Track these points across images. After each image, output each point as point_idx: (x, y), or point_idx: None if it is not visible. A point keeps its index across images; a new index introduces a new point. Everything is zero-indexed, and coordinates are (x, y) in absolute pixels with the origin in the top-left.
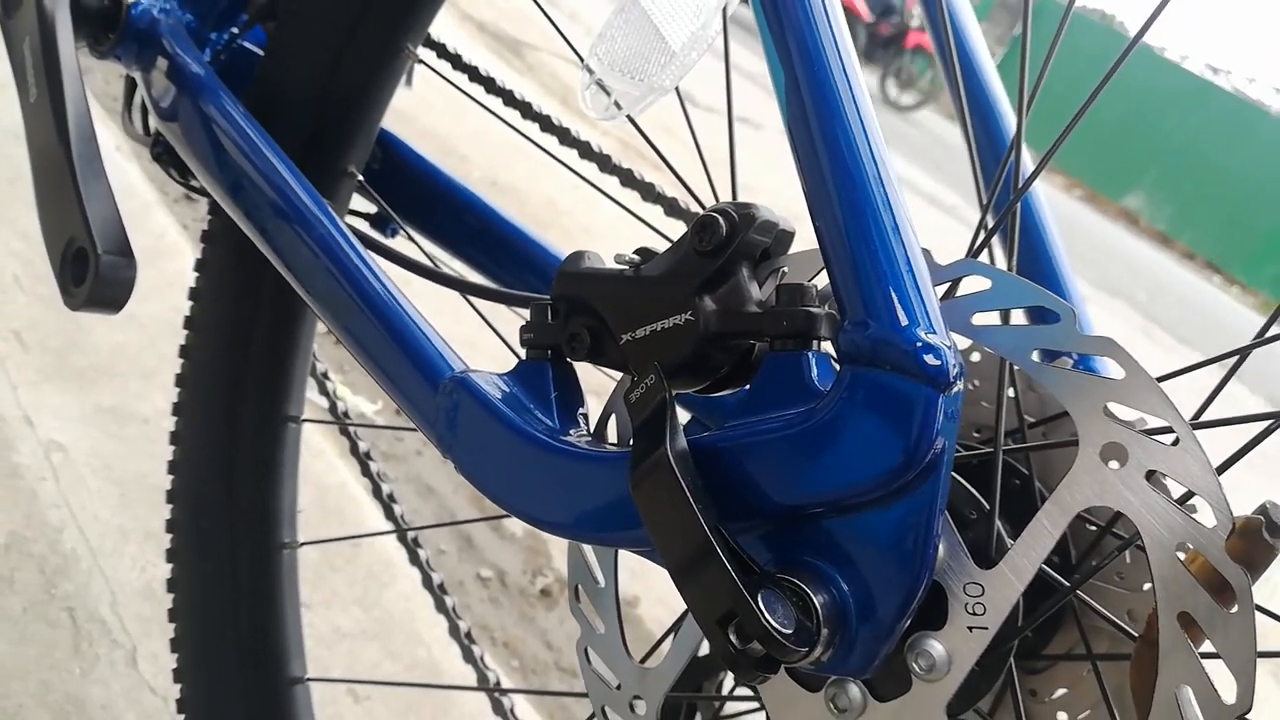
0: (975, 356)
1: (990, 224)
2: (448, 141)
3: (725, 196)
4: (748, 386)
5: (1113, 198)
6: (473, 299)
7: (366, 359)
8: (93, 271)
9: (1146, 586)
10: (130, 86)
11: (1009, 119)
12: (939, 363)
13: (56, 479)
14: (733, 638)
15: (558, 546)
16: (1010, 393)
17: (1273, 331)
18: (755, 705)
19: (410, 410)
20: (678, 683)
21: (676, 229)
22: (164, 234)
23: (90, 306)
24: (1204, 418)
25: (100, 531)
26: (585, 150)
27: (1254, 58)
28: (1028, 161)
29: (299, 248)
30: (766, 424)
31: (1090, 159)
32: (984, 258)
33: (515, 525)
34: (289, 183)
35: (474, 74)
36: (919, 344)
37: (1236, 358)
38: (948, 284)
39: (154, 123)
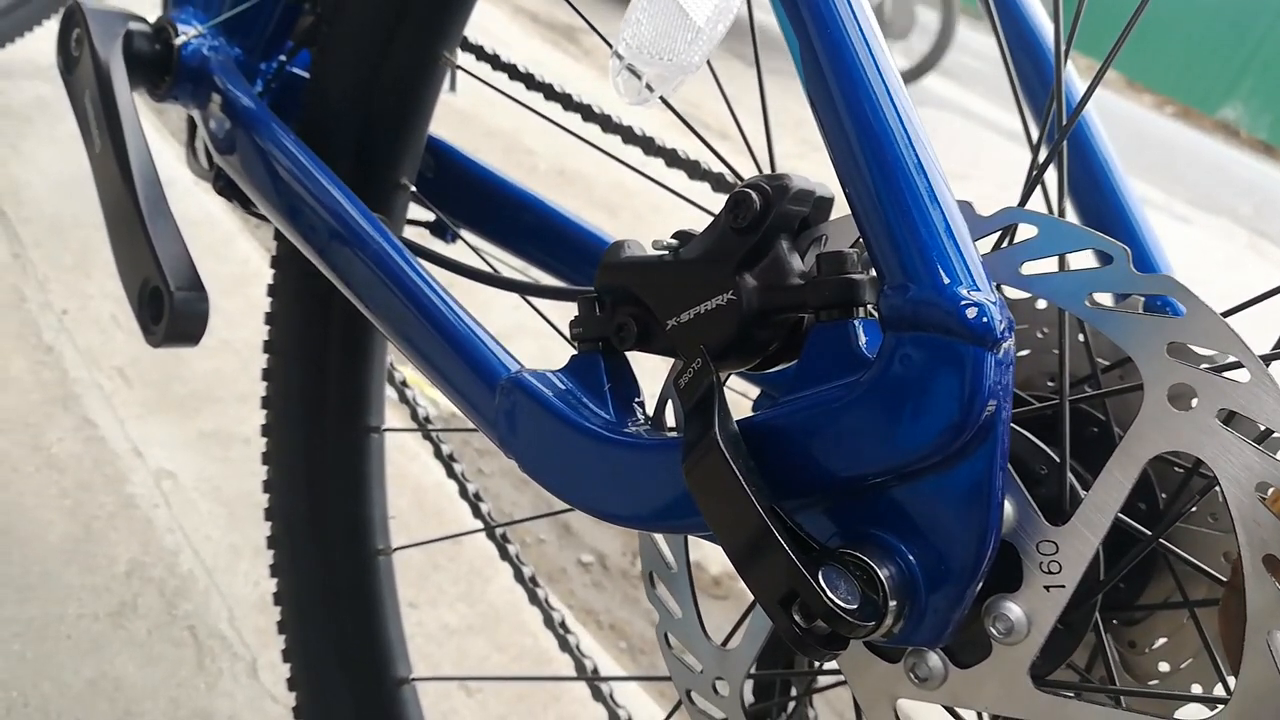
0: (1041, 304)
1: (1041, 162)
2: (514, 137)
3: (767, 168)
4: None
5: (1208, 111)
6: (532, 299)
7: (427, 366)
8: (168, 308)
9: None
10: (191, 125)
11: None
12: (985, 319)
13: (169, 505)
14: (797, 617)
15: None
16: (1080, 338)
17: None
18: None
19: (472, 414)
20: (766, 659)
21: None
22: (248, 260)
23: (170, 342)
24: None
25: (213, 551)
26: (629, 135)
27: None
28: (1077, 90)
29: (355, 265)
30: (815, 397)
31: (1179, 74)
32: (1037, 198)
33: None
34: (340, 203)
35: (513, 72)
36: (962, 302)
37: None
38: (995, 235)
39: (215, 157)
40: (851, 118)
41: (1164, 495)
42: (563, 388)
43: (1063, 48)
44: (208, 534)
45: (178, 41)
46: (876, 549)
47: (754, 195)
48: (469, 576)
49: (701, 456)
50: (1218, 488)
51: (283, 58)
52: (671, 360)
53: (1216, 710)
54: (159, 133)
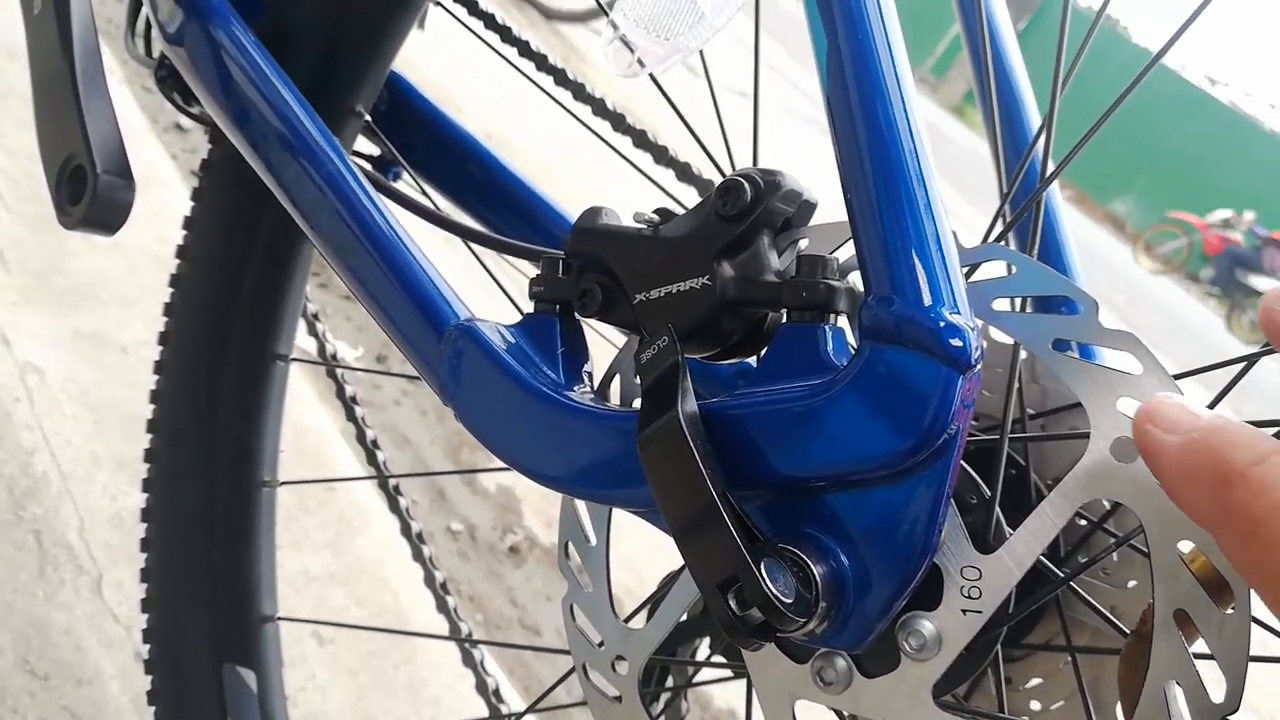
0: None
1: (1009, 216)
2: (445, 90)
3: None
4: (753, 359)
5: (1101, 201)
6: (475, 248)
7: (370, 301)
8: (90, 191)
9: (1132, 584)
10: (134, 7)
11: (1032, 113)
12: (962, 344)
13: (31, 401)
14: (732, 603)
15: (529, 505)
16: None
17: None
18: (729, 675)
19: (413, 355)
20: (664, 645)
21: (682, 194)
22: (154, 163)
23: (85, 227)
24: None
25: (72, 457)
26: (599, 108)
27: (1253, 71)
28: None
29: (305, 183)
30: (780, 394)
31: (1082, 160)
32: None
33: (489, 481)
34: (299, 116)
35: (490, 21)
36: (944, 324)
37: (1245, 363)
38: (970, 267)
39: (159, 46)
40: (866, 125)
41: (1064, 544)
42: (513, 343)
43: (1053, 114)
44: (69, 438)
45: None
46: (815, 549)
47: (746, 185)
48: (338, 525)
49: (660, 433)
50: (1125, 545)
51: None
52: (623, 334)
53: None
54: None
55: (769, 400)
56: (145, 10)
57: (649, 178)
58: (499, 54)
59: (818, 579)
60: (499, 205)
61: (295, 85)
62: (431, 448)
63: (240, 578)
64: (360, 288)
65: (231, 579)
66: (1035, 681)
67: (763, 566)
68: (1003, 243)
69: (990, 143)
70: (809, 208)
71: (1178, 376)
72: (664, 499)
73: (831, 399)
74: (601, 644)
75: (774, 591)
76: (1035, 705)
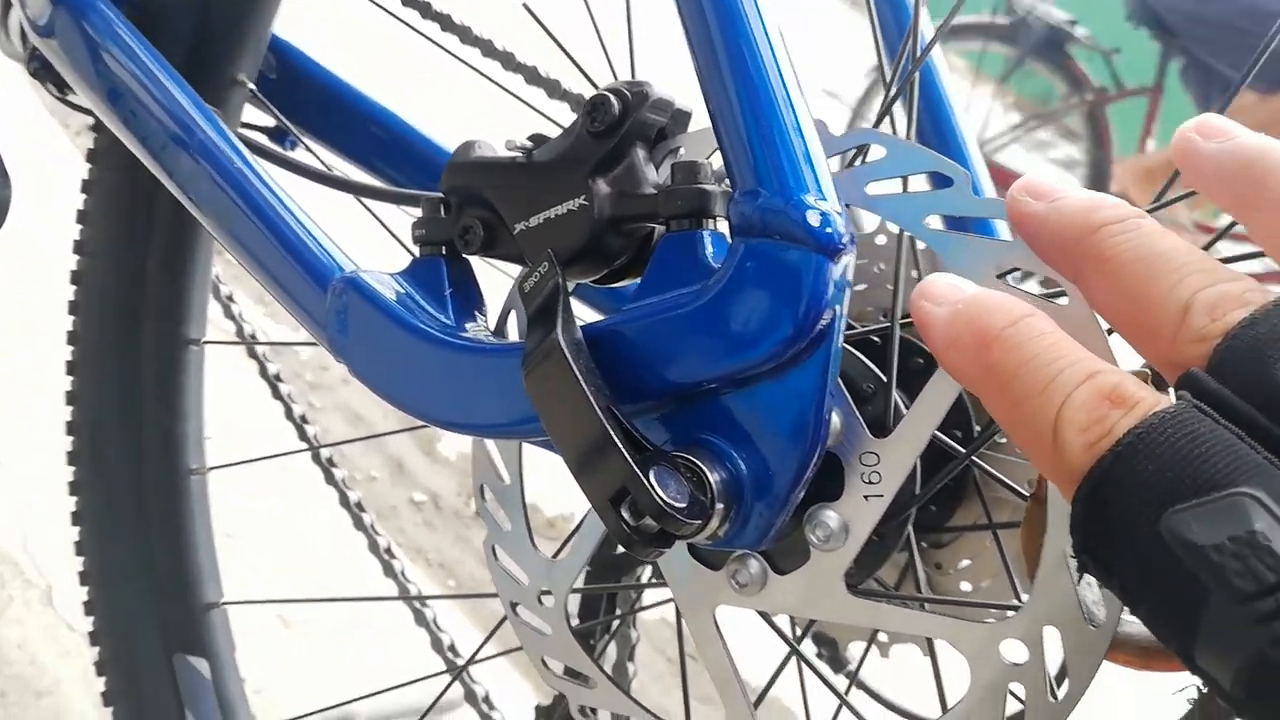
0: (880, 239)
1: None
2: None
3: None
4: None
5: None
6: (369, 202)
7: (254, 265)
8: None
9: None
10: (4, 6)
11: None
12: (828, 229)
13: None
14: (626, 515)
15: None
16: (914, 274)
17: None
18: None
19: (300, 315)
20: (595, 576)
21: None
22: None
23: None
24: None
25: (5, 473)
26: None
27: None
28: (928, 34)
29: (180, 156)
30: (659, 304)
31: None
32: (886, 128)
33: (448, 449)
34: (170, 90)
35: None
36: (807, 210)
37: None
38: (847, 154)
39: (31, 39)
40: (717, 20)
41: (978, 426)
42: (401, 290)
43: None
44: None
45: None
46: (707, 453)
47: (613, 99)
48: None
49: (542, 359)
50: None
51: None
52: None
53: (1010, 616)
54: None
55: (650, 311)
56: (15, 5)
57: (525, 102)
58: None
59: (712, 481)
60: (400, 161)
61: (170, 61)
62: (385, 422)
63: (180, 568)
64: (244, 254)
65: (171, 570)
66: (965, 563)
67: (651, 475)
68: (883, 123)
69: (870, 20)
70: (683, 116)
71: None
72: (551, 425)
73: (708, 301)
74: (527, 582)
75: (664, 498)
76: (966, 586)
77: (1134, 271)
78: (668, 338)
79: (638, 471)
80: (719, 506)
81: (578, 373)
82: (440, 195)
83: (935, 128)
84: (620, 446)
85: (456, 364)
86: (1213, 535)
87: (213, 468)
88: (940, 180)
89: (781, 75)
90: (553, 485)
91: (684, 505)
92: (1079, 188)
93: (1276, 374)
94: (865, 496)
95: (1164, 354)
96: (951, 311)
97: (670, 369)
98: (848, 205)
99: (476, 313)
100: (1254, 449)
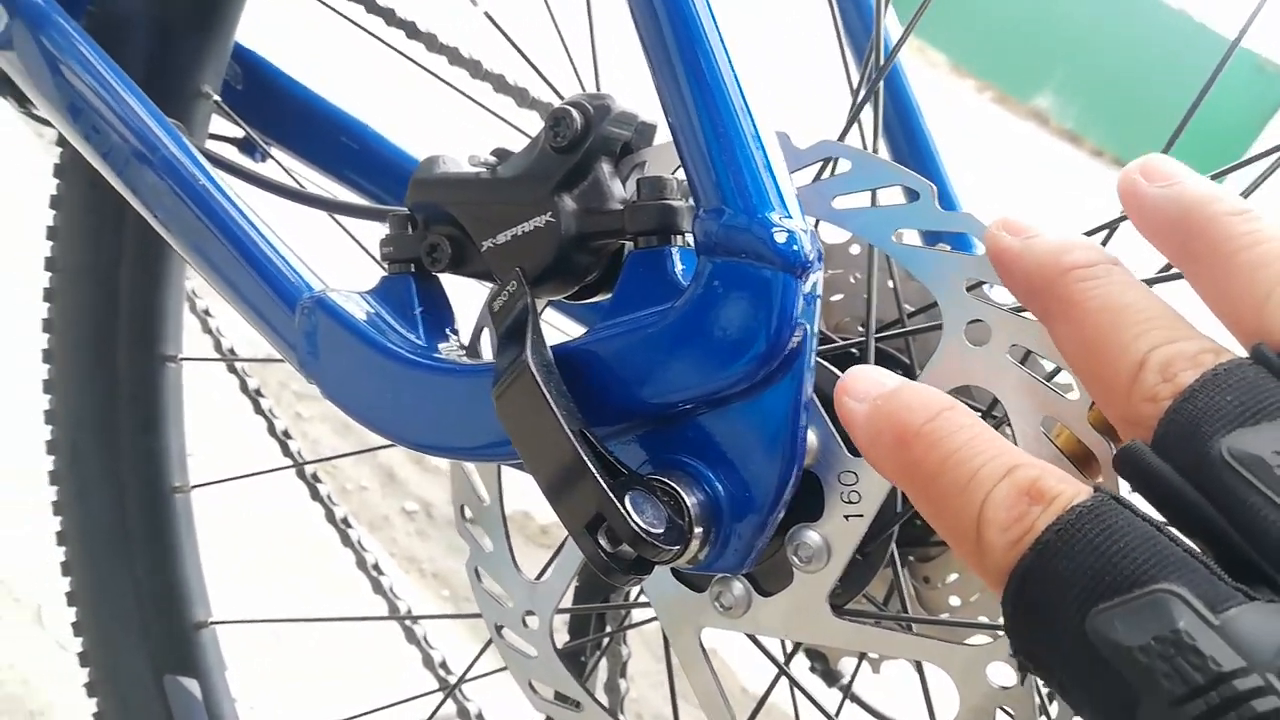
0: (854, 249)
1: (858, 103)
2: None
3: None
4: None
5: (1022, 99)
6: (341, 219)
7: (221, 284)
8: None
9: None
10: None
11: None
12: (794, 246)
13: None
14: (602, 542)
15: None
16: (890, 284)
17: None
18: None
19: (270, 335)
20: (582, 595)
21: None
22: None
23: None
24: None
25: None
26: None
27: None
28: (893, 39)
29: (143, 172)
30: (627, 324)
31: (998, 60)
32: (854, 137)
33: (438, 458)
34: (129, 104)
35: None
36: (773, 228)
37: (1106, 231)
38: (813, 168)
39: None
40: (675, 38)
41: None
42: (370, 309)
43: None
44: None
45: None
46: (684, 475)
47: (575, 113)
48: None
49: (512, 381)
50: (1007, 427)
51: None
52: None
53: (1000, 637)
54: None
55: (619, 332)
56: None
57: (497, 114)
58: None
59: (689, 505)
60: (372, 171)
61: (131, 73)
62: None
63: (167, 587)
64: (211, 273)
65: (158, 590)
66: (953, 578)
67: (627, 500)
68: (848, 135)
69: (836, 32)
70: (647, 129)
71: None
72: (523, 448)
73: (675, 322)
74: (511, 604)
75: (640, 524)
76: (955, 600)
77: (1096, 321)
78: (637, 359)
79: (612, 497)
80: (697, 530)
81: (548, 396)
82: (406, 211)
83: (905, 135)
84: (594, 471)
85: (428, 385)
86: (1137, 636)
87: (196, 485)
88: (910, 192)
89: (741, 88)
90: None
91: (661, 531)
92: (1056, 227)
93: (1210, 449)
94: (846, 516)
95: (1119, 409)
96: (872, 408)
97: (641, 390)
98: (816, 221)
99: (448, 331)
100: (1174, 542)
